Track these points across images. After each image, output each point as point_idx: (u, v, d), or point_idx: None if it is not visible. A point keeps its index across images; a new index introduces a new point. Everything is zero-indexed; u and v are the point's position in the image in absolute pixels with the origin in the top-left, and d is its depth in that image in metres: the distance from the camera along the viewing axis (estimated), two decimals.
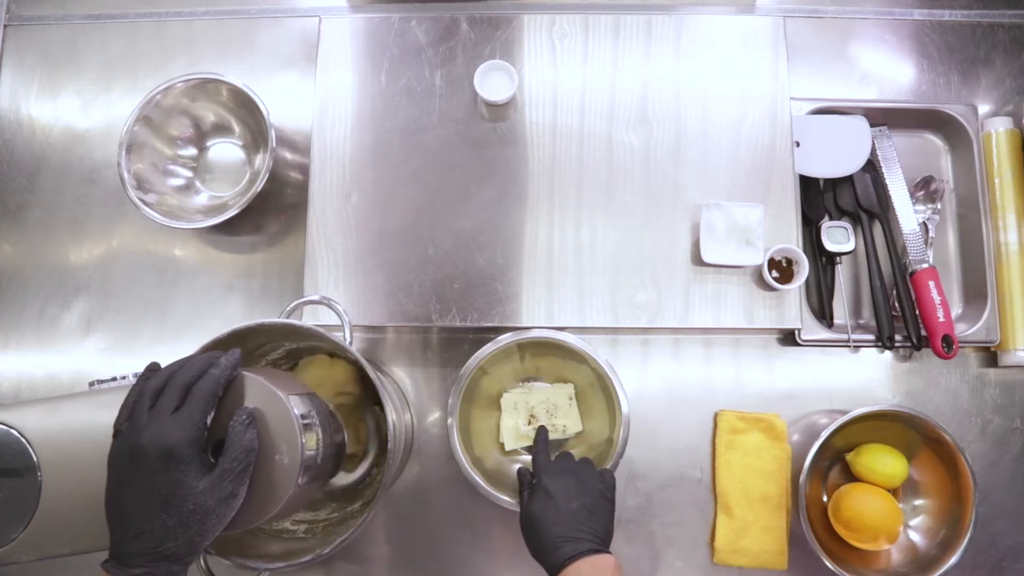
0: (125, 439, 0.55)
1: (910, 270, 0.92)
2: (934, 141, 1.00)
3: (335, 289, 0.90)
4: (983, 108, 0.99)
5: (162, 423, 0.54)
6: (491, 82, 0.92)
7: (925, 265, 0.90)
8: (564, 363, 0.90)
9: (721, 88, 0.95)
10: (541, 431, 0.85)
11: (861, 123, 0.97)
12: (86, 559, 0.60)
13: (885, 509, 0.84)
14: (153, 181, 0.95)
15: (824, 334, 0.92)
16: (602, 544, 0.70)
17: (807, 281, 0.92)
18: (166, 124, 0.96)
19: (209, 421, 0.56)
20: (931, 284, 0.89)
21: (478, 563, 0.89)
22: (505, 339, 0.85)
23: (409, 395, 0.93)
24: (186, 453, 0.53)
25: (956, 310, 0.96)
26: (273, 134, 0.91)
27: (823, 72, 1.01)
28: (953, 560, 0.80)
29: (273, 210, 0.98)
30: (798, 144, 0.94)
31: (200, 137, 1.00)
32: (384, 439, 0.86)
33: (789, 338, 0.94)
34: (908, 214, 0.94)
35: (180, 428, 0.54)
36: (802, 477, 0.82)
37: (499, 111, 0.95)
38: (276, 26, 1.04)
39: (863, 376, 0.94)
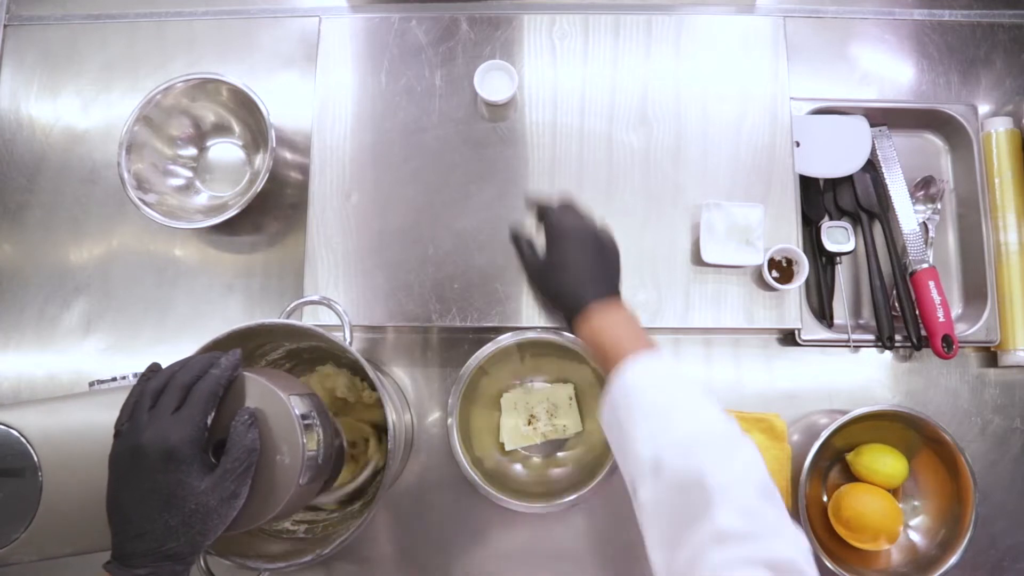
0: (126, 439, 0.55)
1: (910, 270, 0.92)
2: (934, 141, 1.00)
3: (335, 289, 0.90)
4: (983, 108, 0.99)
5: (163, 423, 0.54)
6: (491, 82, 0.92)
7: (925, 265, 0.91)
8: (564, 363, 0.90)
9: (721, 88, 0.95)
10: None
11: (861, 123, 0.97)
12: (87, 559, 0.60)
13: (885, 509, 0.84)
14: (153, 181, 0.95)
15: (824, 334, 0.92)
16: (614, 288, 0.71)
17: (807, 281, 0.92)
18: (166, 124, 0.96)
19: (210, 421, 0.56)
20: (931, 284, 0.89)
21: (478, 563, 0.89)
22: (505, 339, 0.85)
23: (409, 395, 0.93)
24: (187, 453, 0.53)
25: (956, 310, 0.96)
26: (273, 134, 0.91)
27: (823, 72, 1.01)
28: (953, 560, 0.80)
29: (273, 210, 0.98)
30: (798, 144, 0.94)
31: (200, 137, 1.00)
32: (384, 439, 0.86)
33: (789, 338, 0.94)
34: (908, 214, 0.94)
35: (181, 428, 0.54)
36: (802, 477, 0.82)
37: (499, 111, 0.95)
38: (276, 26, 1.04)
39: (863, 376, 0.94)
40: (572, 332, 0.68)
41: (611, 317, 0.66)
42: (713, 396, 0.60)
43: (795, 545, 0.51)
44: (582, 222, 0.72)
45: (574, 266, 0.70)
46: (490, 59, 0.94)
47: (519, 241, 0.75)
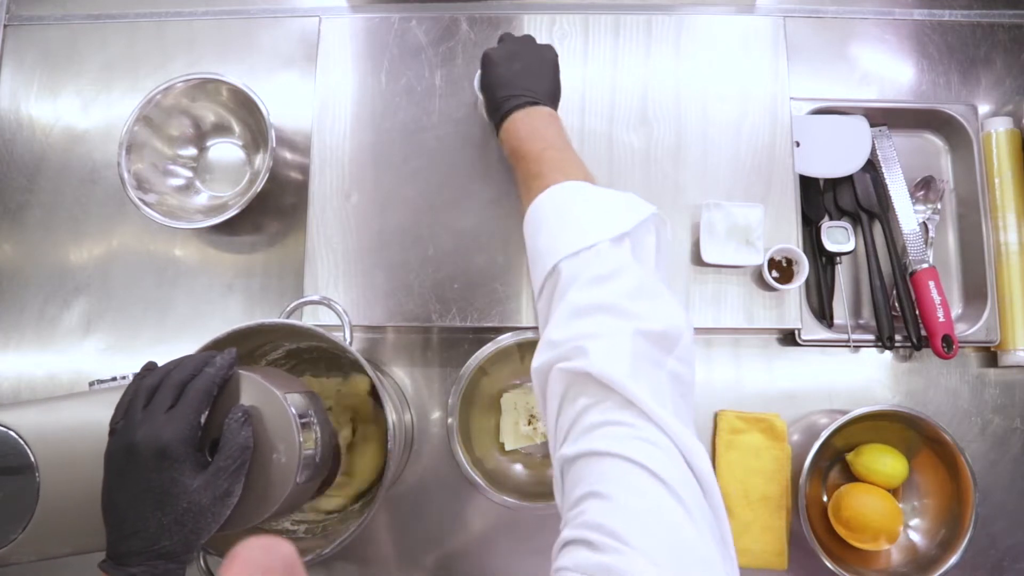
0: (120, 438, 0.55)
1: (910, 270, 0.91)
2: (934, 141, 1.00)
3: (335, 289, 0.90)
4: (983, 108, 0.99)
5: (156, 421, 0.54)
6: None
7: (925, 265, 0.90)
8: None
9: (721, 88, 0.95)
10: None
11: (861, 123, 0.96)
12: (86, 559, 0.60)
13: (885, 509, 0.84)
14: (153, 181, 0.95)
15: (824, 334, 0.92)
16: (545, 100, 0.76)
17: (807, 281, 0.91)
18: (166, 124, 0.96)
19: (203, 419, 0.56)
20: (931, 284, 0.89)
21: (478, 563, 0.89)
22: (505, 339, 0.85)
23: (409, 395, 0.93)
24: (180, 451, 0.53)
25: (956, 310, 0.95)
26: (273, 134, 0.91)
27: (823, 72, 1.01)
28: (953, 560, 0.80)
29: (273, 210, 0.98)
30: (798, 144, 0.94)
31: (200, 137, 1.00)
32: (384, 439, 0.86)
33: (789, 338, 0.94)
34: (908, 214, 0.94)
35: (173, 426, 0.54)
36: (802, 477, 0.82)
37: None
38: (276, 26, 1.04)
39: (863, 376, 0.94)
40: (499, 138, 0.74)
41: (532, 126, 0.72)
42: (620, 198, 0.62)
43: (668, 317, 0.54)
44: (516, 43, 0.80)
45: (498, 85, 0.76)
46: None
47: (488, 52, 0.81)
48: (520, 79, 0.77)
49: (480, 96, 0.83)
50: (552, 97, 0.79)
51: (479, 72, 0.83)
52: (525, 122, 0.74)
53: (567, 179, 0.64)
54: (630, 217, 0.60)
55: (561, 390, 0.52)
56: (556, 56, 0.82)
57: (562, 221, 0.61)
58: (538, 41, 0.84)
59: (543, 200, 0.64)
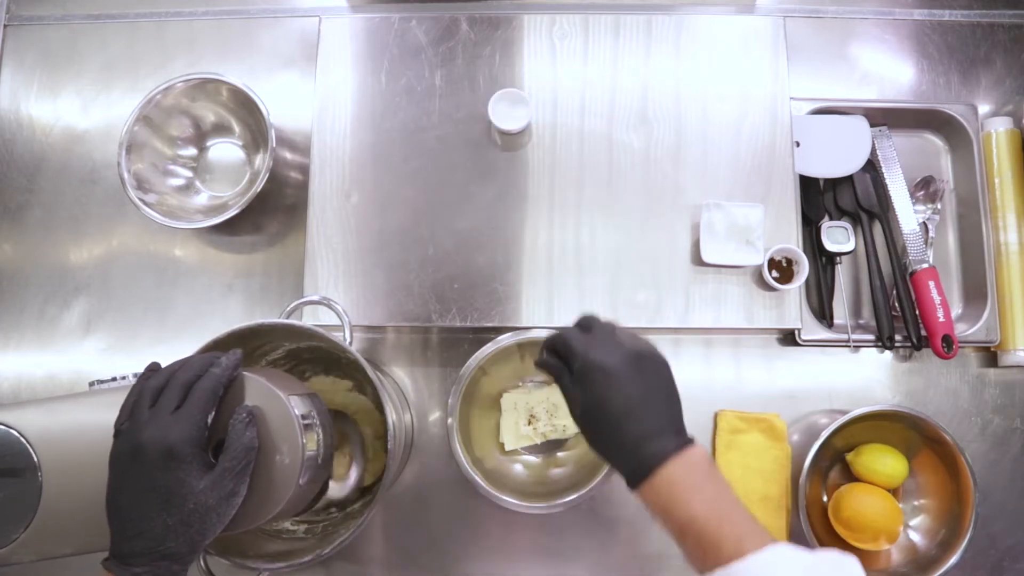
0: (126, 438, 0.55)
1: (910, 270, 0.92)
2: (934, 141, 1.00)
3: (335, 289, 0.90)
4: (983, 108, 0.99)
5: (162, 422, 0.54)
6: (503, 110, 0.91)
7: (925, 265, 0.90)
8: None
9: (721, 88, 0.95)
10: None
11: (861, 123, 0.97)
12: (87, 559, 0.60)
13: (885, 509, 0.84)
14: (153, 181, 0.95)
15: (824, 334, 0.92)
16: (682, 430, 0.58)
17: (807, 281, 0.92)
18: (166, 124, 0.96)
19: (210, 420, 0.56)
20: (931, 284, 0.89)
21: (478, 563, 0.89)
22: (505, 339, 0.85)
23: (409, 395, 0.93)
24: (186, 452, 0.53)
25: (956, 310, 0.96)
26: (273, 134, 0.91)
27: (823, 72, 1.01)
28: (953, 560, 0.80)
29: (273, 210, 0.98)
30: (798, 144, 0.94)
31: (200, 137, 1.00)
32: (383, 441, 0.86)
33: (789, 338, 0.94)
34: (908, 214, 0.94)
35: (180, 426, 0.54)
36: (802, 477, 0.82)
37: (513, 140, 0.94)
38: (276, 26, 1.04)
39: (863, 376, 0.94)
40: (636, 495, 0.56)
41: (691, 482, 0.54)
42: None
43: None
44: (616, 347, 0.58)
45: (623, 415, 0.56)
46: (490, 60, 0.95)
47: (549, 365, 0.62)
48: (654, 405, 0.57)
49: (577, 412, 0.60)
50: (682, 422, 0.60)
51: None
52: (685, 477, 0.55)
53: (761, 541, 0.51)
54: None
55: None
56: (664, 362, 0.61)
57: None
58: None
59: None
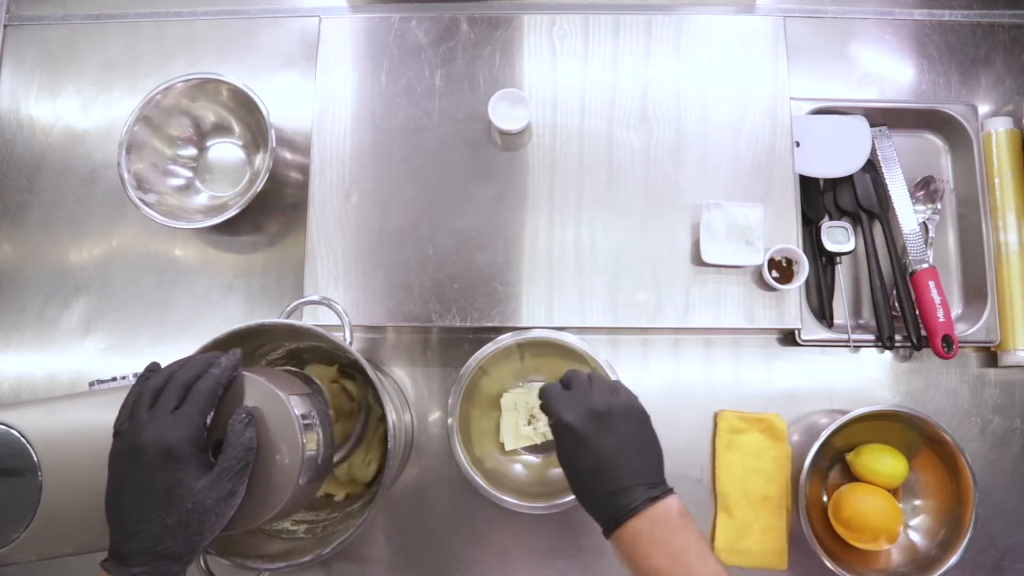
0: (125, 438, 0.55)
1: (910, 270, 0.92)
2: (934, 141, 1.00)
3: (335, 289, 0.90)
4: (983, 108, 0.99)
5: (161, 422, 0.54)
6: (503, 110, 0.91)
7: (925, 265, 0.90)
8: (564, 363, 0.90)
9: (721, 88, 0.95)
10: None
11: (861, 123, 0.97)
12: (86, 559, 0.60)
13: (885, 509, 0.84)
14: (153, 181, 0.95)
15: (824, 334, 0.92)
16: (655, 483, 0.60)
17: (807, 281, 0.92)
18: (166, 124, 0.96)
19: (209, 420, 0.56)
20: (931, 284, 0.89)
21: (478, 563, 0.89)
22: (505, 339, 0.85)
23: (409, 395, 0.93)
24: (186, 452, 0.53)
25: (956, 310, 0.96)
26: (273, 134, 0.91)
27: (823, 72, 1.01)
28: (953, 560, 0.80)
29: (273, 210, 0.98)
30: (798, 144, 0.94)
31: (200, 137, 1.00)
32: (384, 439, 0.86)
33: (789, 338, 0.94)
34: (908, 214, 0.94)
35: (179, 427, 0.54)
36: (802, 477, 0.82)
37: (513, 140, 0.94)
38: (276, 26, 1.04)
39: (863, 376, 0.94)
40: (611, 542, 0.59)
41: (656, 535, 0.57)
42: None
43: None
44: (586, 407, 0.62)
45: (590, 474, 0.60)
46: (490, 60, 0.95)
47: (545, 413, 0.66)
48: (623, 459, 0.60)
49: (560, 466, 0.65)
50: (661, 467, 0.63)
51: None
52: (651, 530, 0.58)
53: None
54: None
55: None
56: (639, 404, 0.66)
57: None
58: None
59: None
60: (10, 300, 0.98)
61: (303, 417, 0.60)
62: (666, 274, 0.91)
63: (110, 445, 0.56)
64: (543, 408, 0.67)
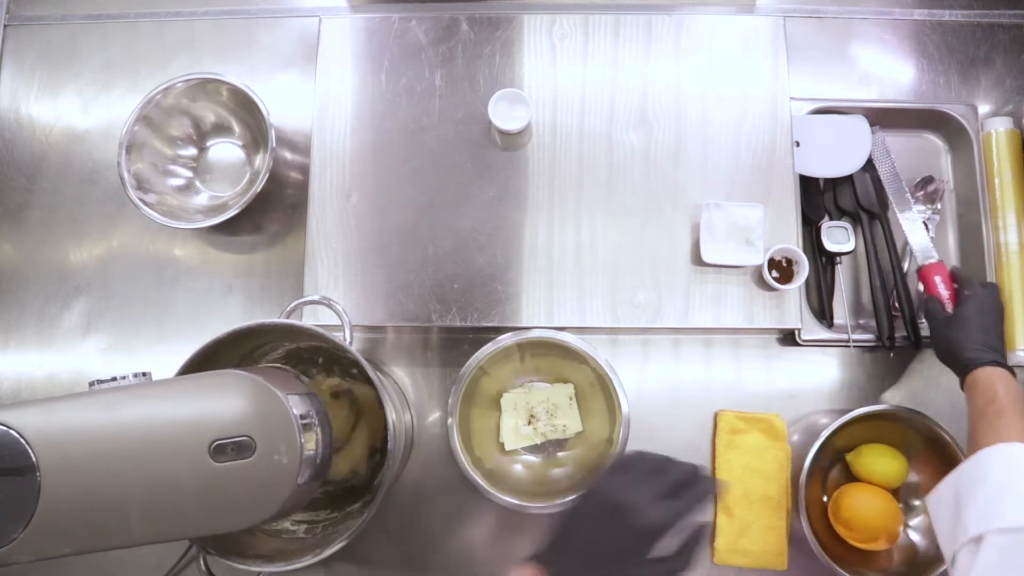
0: None
1: (918, 265, 0.91)
2: (934, 141, 1.00)
3: (335, 289, 0.90)
4: (983, 108, 0.99)
5: None
6: (503, 110, 0.91)
7: (932, 260, 0.90)
8: (564, 363, 0.90)
9: (721, 88, 0.95)
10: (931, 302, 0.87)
11: (861, 123, 0.96)
12: (86, 559, 0.60)
13: (885, 509, 0.84)
14: (153, 181, 0.95)
15: (824, 334, 0.92)
16: (998, 355, 0.78)
17: (807, 281, 0.92)
18: (166, 124, 0.96)
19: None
20: (938, 279, 0.88)
21: (478, 563, 0.89)
22: (505, 339, 0.85)
23: (409, 395, 0.93)
24: None
25: None
26: (273, 134, 0.91)
27: (823, 72, 1.01)
28: None
29: (273, 210, 0.98)
30: (798, 144, 0.94)
31: (200, 137, 1.00)
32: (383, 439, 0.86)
33: (789, 338, 0.94)
34: (909, 212, 0.94)
35: None
36: (802, 477, 0.82)
37: (513, 139, 0.94)
38: (276, 26, 1.04)
39: (863, 376, 0.94)
40: (961, 388, 0.77)
41: (1001, 389, 0.73)
42: None
43: None
44: (996, 298, 0.83)
45: (976, 328, 0.79)
46: (490, 60, 0.95)
47: (929, 303, 0.85)
48: (980, 336, 0.79)
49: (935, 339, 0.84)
50: (1003, 346, 0.82)
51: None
52: (995, 381, 0.75)
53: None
54: None
55: None
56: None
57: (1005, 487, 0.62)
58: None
59: (990, 455, 0.66)
60: (10, 300, 0.98)
61: (302, 417, 0.60)
62: (666, 274, 0.91)
63: (109, 445, 0.56)
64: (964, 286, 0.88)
